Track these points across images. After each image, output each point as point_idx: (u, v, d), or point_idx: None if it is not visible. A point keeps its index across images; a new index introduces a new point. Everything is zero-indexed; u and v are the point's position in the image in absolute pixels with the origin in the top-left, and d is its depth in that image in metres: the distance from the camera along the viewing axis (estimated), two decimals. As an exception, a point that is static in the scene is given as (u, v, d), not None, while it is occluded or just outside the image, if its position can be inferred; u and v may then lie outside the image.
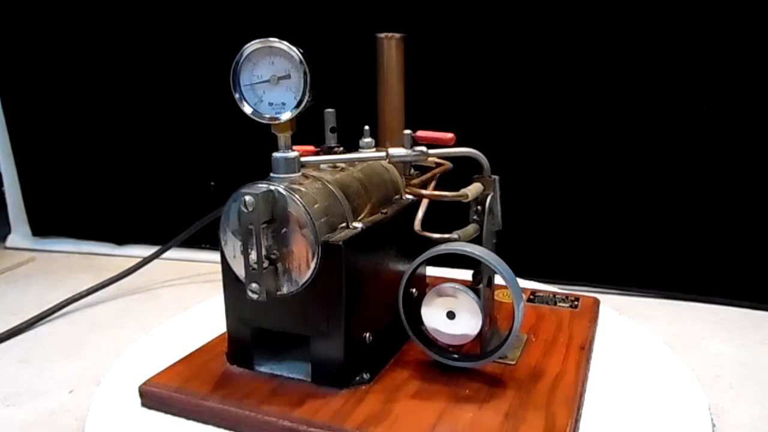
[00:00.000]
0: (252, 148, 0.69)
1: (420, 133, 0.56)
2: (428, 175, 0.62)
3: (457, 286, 0.50)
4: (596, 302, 0.70)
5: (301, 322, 0.50)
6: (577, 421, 0.47)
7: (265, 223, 0.46)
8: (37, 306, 0.80)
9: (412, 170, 0.64)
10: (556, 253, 0.88)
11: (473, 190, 0.54)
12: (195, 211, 0.91)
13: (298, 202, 0.46)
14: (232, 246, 0.48)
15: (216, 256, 0.52)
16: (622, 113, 0.82)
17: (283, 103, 0.48)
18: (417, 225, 0.56)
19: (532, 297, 0.71)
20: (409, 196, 0.60)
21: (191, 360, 0.55)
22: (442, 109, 0.85)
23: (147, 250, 0.95)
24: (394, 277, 0.54)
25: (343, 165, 0.56)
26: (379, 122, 0.65)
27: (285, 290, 0.48)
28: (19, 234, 1.15)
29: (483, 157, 0.56)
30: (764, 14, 0.73)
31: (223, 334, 0.56)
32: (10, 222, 1.15)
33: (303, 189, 0.48)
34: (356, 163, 0.57)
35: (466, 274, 0.57)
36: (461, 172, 0.59)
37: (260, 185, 0.47)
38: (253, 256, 0.45)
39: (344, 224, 0.50)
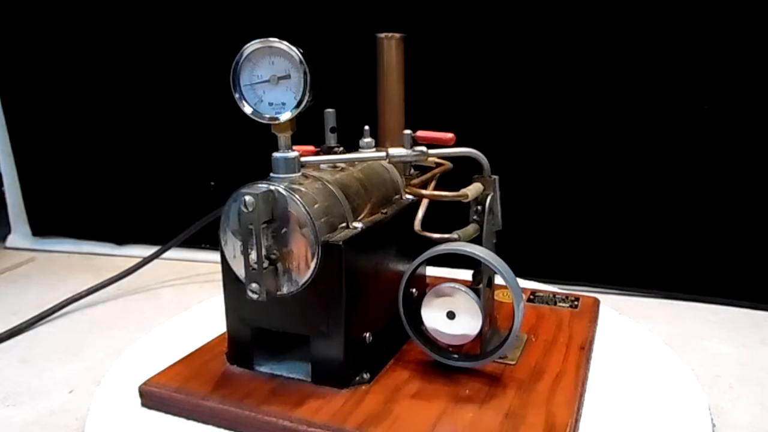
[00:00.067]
0: (252, 148, 0.69)
1: (420, 133, 0.56)
2: (428, 175, 0.62)
3: (457, 286, 0.50)
4: (596, 302, 0.70)
5: (301, 322, 0.50)
6: (577, 421, 0.47)
7: (265, 223, 0.46)
8: (37, 306, 0.80)
9: (412, 170, 0.64)
10: (556, 253, 0.88)
11: (473, 190, 0.54)
12: (195, 211, 0.91)
13: (298, 202, 0.46)
14: (232, 246, 0.48)
15: (216, 256, 0.52)
16: (622, 113, 0.82)
17: (283, 103, 0.48)
18: (417, 225, 0.56)
19: (532, 297, 0.71)
20: (409, 196, 0.60)
21: (191, 360, 0.55)
22: (442, 109, 0.85)
23: (147, 250, 0.95)
24: (394, 277, 0.54)
25: (343, 165, 0.56)
26: (379, 122, 0.65)
27: (285, 290, 0.48)
28: (19, 234, 1.15)
29: (483, 157, 0.56)
30: (764, 14, 0.73)
31: (223, 334, 0.56)
32: (10, 222, 1.15)
33: (303, 189, 0.48)
34: (356, 163, 0.57)
35: (466, 274, 0.57)
36: (461, 172, 0.59)
37: (260, 185, 0.47)
38: (253, 256, 0.45)
39: (344, 224, 0.50)
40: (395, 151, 0.53)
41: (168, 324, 0.70)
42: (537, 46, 0.83)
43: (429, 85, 0.84)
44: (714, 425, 0.50)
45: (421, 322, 0.52)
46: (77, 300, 0.82)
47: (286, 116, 0.48)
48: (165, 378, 0.52)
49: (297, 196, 0.46)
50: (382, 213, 0.55)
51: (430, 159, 0.59)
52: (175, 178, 1.05)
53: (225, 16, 0.94)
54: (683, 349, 0.65)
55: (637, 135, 0.82)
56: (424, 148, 0.53)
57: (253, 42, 0.48)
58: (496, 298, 0.58)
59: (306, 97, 0.48)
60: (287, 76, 0.48)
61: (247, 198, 0.44)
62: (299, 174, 0.50)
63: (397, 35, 0.63)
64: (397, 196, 0.60)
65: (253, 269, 0.46)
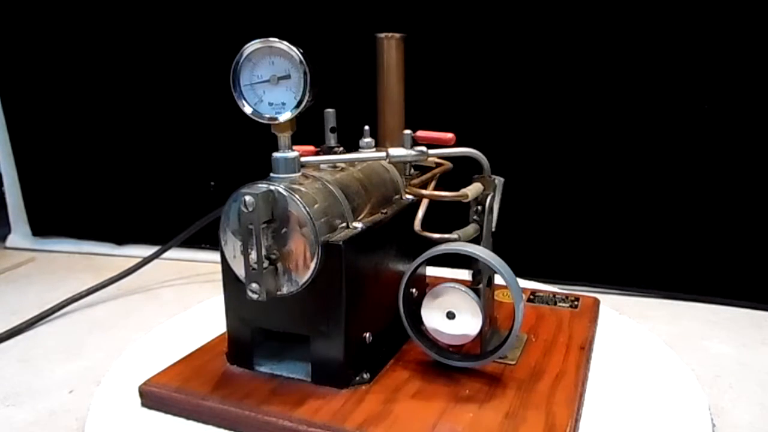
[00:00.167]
0: (252, 148, 0.69)
1: (420, 133, 0.56)
2: (428, 175, 0.62)
3: (457, 286, 0.50)
4: (596, 302, 0.70)
5: (301, 322, 0.50)
6: (577, 421, 0.47)
7: (265, 223, 0.46)
8: (37, 306, 0.80)
9: (412, 170, 0.64)
10: (556, 253, 0.88)
11: (473, 190, 0.54)
12: (195, 211, 0.91)
13: (298, 202, 0.46)
14: (232, 246, 0.48)
15: (216, 256, 0.52)
16: (622, 113, 0.82)
17: (283, 103, 0.48)
18: (417, 225, 0.56)
19: (532, 297, 0.71)
20: (409, 196, 0.60)
21: (191, 360, 0.55)
22: (442, 109, 0.85)
23: (147, 250, 0.95)
24: (394, 277, 0.54)
25: (343, 165, 0.56)
26: (379, 122, 0.65)
27: (285, 290, 0.48)
28: (19, 234, 1.15)
29: (483, 157, 0.56)
30: (764, 14, 0.73)
31: (223, 334, 0.56)
32: (10, 222, 1.15)
33: (303, 189, 0.48)
34: (356, 163, 0.57)
35: (466, 274, 0.57)
36: (461, 172, 0.59)
37: (260, 185, 0.47)
38: (253, 256, 0.45)
39: (344, 224, 0.50)
40: (395, 151, 0.53)
41: (168, 324, 0.70)
42: (537, 47, 0.83)
43: (429, 85, 0.84)
44: (714, 425, 0.50)
45: (421, 322, 0.52)
46: (77, 300, 0.82)
47: (285, 116, 0.48)
48: (165, 378, 0.52)
49: (297, 196, 0.46)
50: (382, 213, 0.55)
51: (430, 159, 0.59)
52: (175, 178, 1.05)
53: (225, 16, 0.94)
54: (683, 349, 0.65)
55: (637, 135, 0.82)
56: (424, 148, 0.53)
57: (253, 42, 0.48)
58: (496, 298, 0.58)
59: (306, 97, 0.48)
60: (287, 76, 0.48)
61: (247, 198, 0.44)
62: (299, 174, 0.50)
63: (397, 35, 0.63)
64: (397, 196, 0.60)
65: (253, 269, 0.46)
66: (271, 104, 0.49)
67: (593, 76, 0.81)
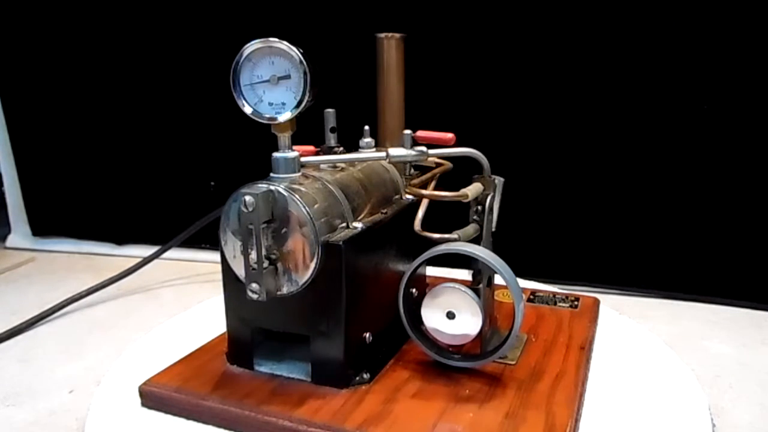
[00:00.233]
0: (252, 148, 0.69)
1: (420, 133, 0.56)
2: (428, 175, 0.62)
3: (457, 286, 0.50)
4: (596, 302, 0.70)
5: (301, 322, 0.50)
6: (577, 421, 0.47)
7: (265, 223, 0.46)
8: (37, 306, 0.80)
9: (412, 170, 0.64)
10: (556, 253, 0.88)
11: (473, 190, 0.54)
12: (195, 211, 0.91)
13: (298, 202, 0.46)
14: (232, 246, 0.48)
15: (216, 256, 0.52)
16: (622, 113, 0.82)
17: (283, 103, 0.48)
18: (417, 225, 0.56)
19: (532, 297, 0.71)
20: (409, 196, 0.61)
21: (191, 360, 0.55)
22: (442, 109, 0.85)
23: (147, 250, 0.95)
24: (394, 277, 0.54)
25: (343, 165, 0.56)
26: (379, 122, 0.65)
27: (285, 290, 0.48)
28: (19, 234, 1.15)
29: (483, 157, 0.56)
30: (764, 14, 0.73)
31: (223, 334, 0.56)
32: (10, 222, 1.15)
33: (303, 189, 0.48)
34: (356, 163, 0.57)
35: (466, 274, 0.57)
36: (461, 172, 0.59)
37: (260, 185, 0.47)
38: (253, 256, 0.45)
39: (344, 224, 0.50)
40: (395, 151, 0.53)
41: (168, 324, 0.70)
42: (537, 47, 0.83)
43: (429, 85, 0.84)
44: (714, 425, 0.50)
45: (421, 322, 0.52)
46: (77, 300, 0.82)
47: (285, 116, 0.48)
48: (165, 378, 0.52)
49: (297, 196, 0.46)
50: (382, 213, 0.55)
51: (430, 159, 0.59)
52: (175, 178, 1.05)
53: (225, 16, 0.94)
54: (683, 349, 0.65)
55: (637, 135, 0.82)
56: (424, 148, 0.53)
57: (253, 42, 0.48)
58: (496, 298, 0.58)
59: (306, 97, 0.48)
60: (287, 76, 0.48)
61: (247, 198, 0.44)
62: (299, 174, 0.50)
63: (397, 35, 0.63)
64: (397, 196, 0.60)
65: (253, 269, 0.46)
66: (271, 104, 0.49)
67: (593, 76, 0.81)
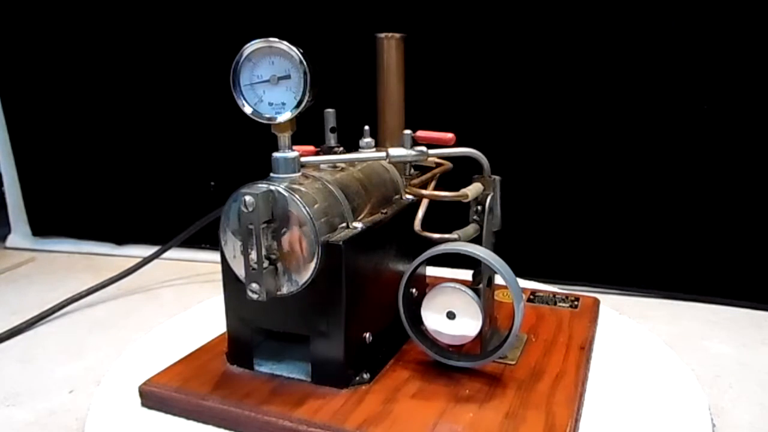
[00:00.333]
0: (252, 148, 0.69)
1: (420, 133, 0.56)
2: (428, 175, 0.62)
3: (457, 286, 0.50)
4: (596, 302, 0.70)
5: (301, 322, 0.50)
6: (577, 421, 0.47)
7: (265, 223, 0.46)
8: (37, 306, 0.80)
9: (412, 170, 0.64)
10: (556, 253, 0.88)
11: (473, 190, 0.54)
12: (195, 211, 0.91)
13: (298, 202, 0.46)
14: (232, 246, 0.48)
15: (216, 256, 0.52)
16: (622, 113, 0.82)
17: (283, 103, 0.48)
18: (417, 225, 0.56)
19: (532, 297, 0.71)
20: (409, 196, 0.60)
21: (191, 360, 0.55)
22: (442, 109, 0.85)
23: (147, 250, 0.95)
24: (394, 277, 0.54)
25: (343, 165, 0.56)
26: (379, 122, 0.65)
27: (285, 290, 0.48)
28: (19, 234, 1.15)
29: (483, 157, 0.56)
30: (764, 14, 0.73)
31: (223, 334, 0.56)
32: (10, 222, 1.15)
33: (303, 189, 0.48)
34: (356, 163, 0.57)
35: (466, 274, 0.57)
36: (461, 172, 0.59)
37: (260, 185, 0.47)
38: (253, 256, 0.45)
39: (344, 224, 0.50)
40: (395, 151, 0.53)
41: (168, 324, 0.70)
42: (537, 47, 0.83)
43: (429, 85, 0.84)
44: (714, 425, 0.50)
45: (421, 322, 0.52)
46: (77, 300, 0.82)
47: (285, 116, 0.48)
48: (165, 378, 0.52)
49: (297, 196, 0.46)
50: (382, 213, 0.55)
51: (430, 159, 0.59)
52: (175, 178, 1.05)
53: (225, 16, 0.94)
54: (683, 349, 0.65)
55: (637, 135, 0.82)
56: (424, 148, 0.53)
57: (253, 42, 0.48)
58: (496, 298, 0.58)
59: (306, 97, 0.48)
60: (287, 76, 0.48)
61: (247, 198, 0.44)
62: (299, 174, 0.50)
63: (397, 35, 0.63)
64: (397, 196, 0.60)
65: (253, 269, 0.46)
66: (271, 104, 0.49)
67: (593, 76, 0.81)
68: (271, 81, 0.48)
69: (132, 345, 0.64)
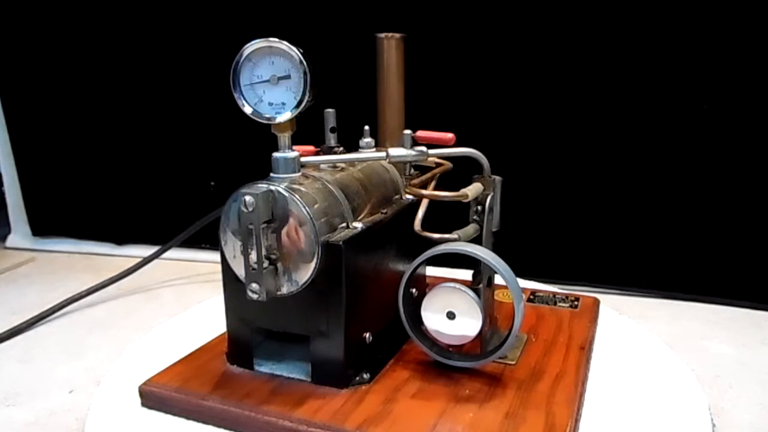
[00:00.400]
0: (252, 148, 0.69)
1: (420, 133, 0.56)
2: (428, 175, 0.62)
3: (457, 286, 0.50)
4: (596, 302, 0.70)
5: (301, 322, 0.50)
6: (577, 421, 0.47)
7: (265, 223, 0.46)
8: (37, 306, 0.80)
9: (412, 170, 0.64)
10: (556, 253, 0.88)
11: (473, 190, 0.54)
12: (195, 211, 0.91)
13: (298, 202, 0.46)
14: (232, 246, 0.48)
15: (216, 256, 0.52)
16: (622, 113, 0.82)
17: (283, 103, 0.48)
18: (417, 225, 0.56)
19: (532, 297, 0.71)
20: (409, 196, 0.60)
21: (191, 360, 0.55)
22: (442, 109, 0.85)
23: (147, 250, 0.95)
24: (394, 277, 0.54)
25: (343, 165, 0.56)
26: (379, 122, 0.65)
27: (285, 290, 0.48)
28: (19, 234, 1.15)
29: (483, 157, 0.56)
30: (764, 14, 0.73)
31: (223, 334, 0.56)
32: (10, 222, 1.15)
33: (303, 189, 0.48)
34: (356, 163, 0.57)
35: (466, 274, 0.57)
36: (461, 172, 0.59)
37: (260, 185, 0.47)
38: (253, 256, 0.45)
39: (344, 224, 0.50)
40: (395, 151, 0.53)
41: (168, 324, 0.70)
42: (537, 47, 0.83)
43: (429, 85, 0.84)
44: (714, 425, 0.50)
45: (421, 322, 0.52)
46: (77, 300, 0.82)
47: (285, 116, 0.48)
48: (165, 378, 0.52)
49: (297, 196, 0.46)
50: (382, 213, 0.55)
51: (430, 159, 0.59)
52: (175, 178, 1.05)
53: (225, 16, 0.94)
54: (683, 349, 0.65)
55: (637, 135, 0.82)
56: (424, 148, 0.53)
57: (253, 42, 0.48)
58: (496, 298, 0.58)
59: (306, 97, 0.48)
60: (287, 76, 0.48)
61: (247, 198, 0.44)
62: (299, 174, 0.50)
63: (397, 35, 0.63)
64: (397, 196, 0.60)
65: (253, 269, 0.46)
66: (271, 104, 0.49)
67: (593, 76, 0.81)
68: (271, 81, 0.48)
69: (132, 345, 0.64)
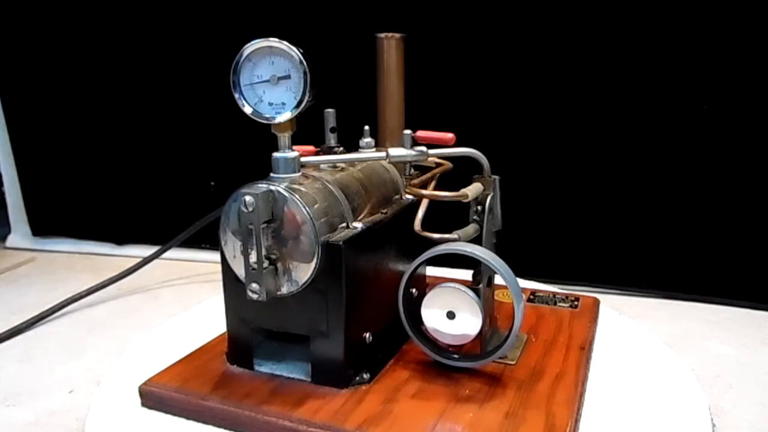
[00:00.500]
0: (252, 148, 0.69)
1: (420, 133, 0.56)
2: (428, 175, 0.62)
3: (457, 286, 0.50)
4: (596, 302, 0.70)
5: (301, 322, 0.50)
6: (577, 421, 0.47)
7: (265, 223, 0.46)
8: (37, 306, 0.80)
9: (412, 170, 0.64)
10: (556, 253, 0.88)
11: (473, 190, 0.54)
12: (195, 211, 0.91)
13: (298, 202, 0.46)
14: (232, 246, 0.48)
15: (216, 256, 0.52)
16: (622, 113, 0.82)
17: (283, 103, 0.48)
18: (417, 225, 0.56)
19: (532, 297, 0.71)
20: (409, 196, 0.61)
21: (191, 360, 0.55)
22: (442, 109, 0.85)
23: (147, 250, 0.95)
24: (394, 277, 0.54)
25: (343, 165, 0.56)
26: (379, 122, 0.65)
27: (285, 290, 0.48)
28: (19, 234, 1.15)
29: (483, 157, 0.56)
30: (764, 14, 0.73)
31: (223, 334, 0.56)
32: (10, 222, 1.15)
33: (303, 189, 0.48)
34: (356, 163, 0.57)
35: (466, 274, 0.57)
36: (461, 172, 0.59)
37: (260, 185, 0.47)
38: (253, 256, 0.45)
39: (344, 224, 0.50)
40: (395, 151, 0.53)
41: (168, 324, 0.70)
42: (537, 47, 0.83)
43: (429, 85, 0.84)
44: (714, 425, 0.50)
45: (421, 322, 0.52)
46: (77, 300, 0.82)
47: (285, 116, 0.48)
48: (165, 378, 0.52)
49: (297, 196, 0.46)
50: (382, 213, 0.55)
51: (430, 159, 0.59)
52: (175, 178, 1.05)
53: (225, 16, 0.94)
54: (683, 349, 0.65)
55: (637, 135, 0.82)
56: (424, 148, 0.53)
57: (253, 42, 0.48)
58: (496, 298, 0.58)
59: (306, 97, 0.48)
60: (287, 76, 0.48)
61: (247, 198, 0.44)
62: (299, 174, 0.50)
63: (397, 35, 0.63)
64: (397, 196, 0.60)
65: (253, 269, 0.46)
66: (271, 104, 0.49)
67: (593, 76, 0.81)
68: (271, 81, 0.48)
69: (132, 345, 0.64)
